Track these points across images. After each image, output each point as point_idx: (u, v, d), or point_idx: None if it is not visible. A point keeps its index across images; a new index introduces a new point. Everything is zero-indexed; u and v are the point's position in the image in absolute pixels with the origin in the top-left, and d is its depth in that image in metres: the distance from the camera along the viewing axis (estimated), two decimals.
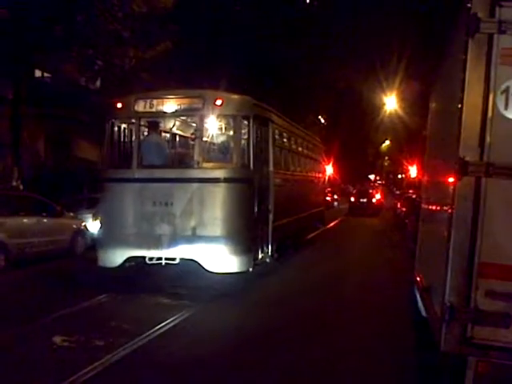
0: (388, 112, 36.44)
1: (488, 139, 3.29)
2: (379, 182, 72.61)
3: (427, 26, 18.87)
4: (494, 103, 3.29)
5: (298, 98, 27.96)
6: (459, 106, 3.42)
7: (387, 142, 60.51)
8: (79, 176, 20.56)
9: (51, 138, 20.78)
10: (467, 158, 3.30)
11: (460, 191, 3.35)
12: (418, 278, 5.78)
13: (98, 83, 17.44)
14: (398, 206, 26.18)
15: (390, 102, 33.85)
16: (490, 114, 3.29)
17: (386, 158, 74.13)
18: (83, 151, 22.74)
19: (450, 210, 3.54)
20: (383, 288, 8.99)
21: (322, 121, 43.91)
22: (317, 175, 18.22)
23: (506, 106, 3.27)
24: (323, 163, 20.59)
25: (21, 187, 15.37)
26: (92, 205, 15.18)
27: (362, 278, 10.21)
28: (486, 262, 3.27)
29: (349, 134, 45.40)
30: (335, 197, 38.20)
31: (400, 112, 32.73)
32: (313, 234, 16.98)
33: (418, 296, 5.64)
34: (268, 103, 11.50)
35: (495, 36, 3.27)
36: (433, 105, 6.22)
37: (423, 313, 4.96)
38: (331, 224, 23.38)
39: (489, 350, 3.26)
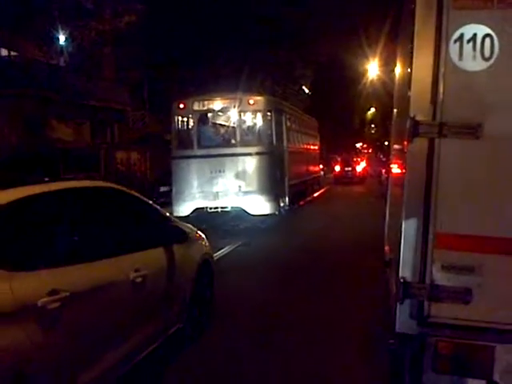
0: (371, 78, 35.80)
1: (441, 95, 2.91)
2: (366, 149, 72.39)
3: None
4: (447, 54, 2.90)
5: (279, 70, 27.47)
6: (410, 60, 3.04)
7: (372, 110, 59.94)
8: (54, 157, 19.97)
9: (23, 119, 20.11)
10: (418, 118, 2.93)
11: (411, 154, 2.98)
12: (386, 248, 5.48)
13: (62, 60, 16.74)
14: (383, 172, 25.98)
15: (373, 68, 33.20)
16: (442, 66, 2.90)
17: (372, 125, 73.65)
18: (59, 132, 22.11)
19: (403, 176, 3.20)
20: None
21: (306, 91, 43.24)
22: (314, 148, 23.10)
23: (460, 57, 2.88)
24: (318, 137, 24.84)
25: None
26: None
27: (345, 224, 13.52)
28: (442, 232, 2.94)
29: (333, 103, 44.83)
30: (321, 166, 37.91)
31: (383, 77, 32.13)
32: (308, 199, 20.74)
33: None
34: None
35: None
36: (396, 66, 5.82)
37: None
38: (319, 192, 24.64)
39: (448, 329, 2.97)
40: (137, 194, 4.71)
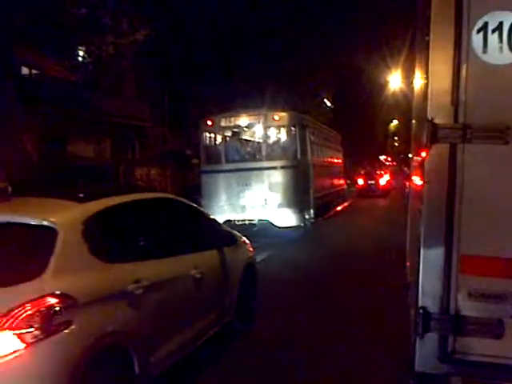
0: (393, 90, 35.20)
1: (463, 94, 2.51)
2: (390, 162, 71.38)
3: None
4: (469, 46, 2.51)
5: (299, 82, 27.19)
6: (427, 54, 2.65)
7: (395, 122, 59.08)
8: (76, 175, 19.90)
9: (45, 137, 20.15)
10: (437, 120, 2.54)
11: (430, 163, 2.58)
12: (408, 264, 5.02)
13: (82, 76, 16.73)
14: (407, 185, 25.39)
15: (395, 79, 32.61)
16: (463, 60, 2.51)
17: (396, 137, 72.66)
18: (80, 149, 22.13)
19: (422, 189, 2.79)
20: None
21: (329, 104, 42.88)
22: (338, 161, 23.24)
23: (485, 49, 2.48)
24: (342, 151, 24.99)
25: (9, 189, 14.78)
26: None
27: (371, 240, 13.02)
28: (468, 255, 2.52)
29: (356, 116, 44.30)
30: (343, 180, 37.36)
31: (405, 88, 31.52)
32: (332, 212, 20.49)
33: None
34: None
35: None
36: (415, 74, 5.41)
37: None
38: (343, 205, 24.04)
39: (476, 368, 2.53)
40: (194, 204, 5.58)
